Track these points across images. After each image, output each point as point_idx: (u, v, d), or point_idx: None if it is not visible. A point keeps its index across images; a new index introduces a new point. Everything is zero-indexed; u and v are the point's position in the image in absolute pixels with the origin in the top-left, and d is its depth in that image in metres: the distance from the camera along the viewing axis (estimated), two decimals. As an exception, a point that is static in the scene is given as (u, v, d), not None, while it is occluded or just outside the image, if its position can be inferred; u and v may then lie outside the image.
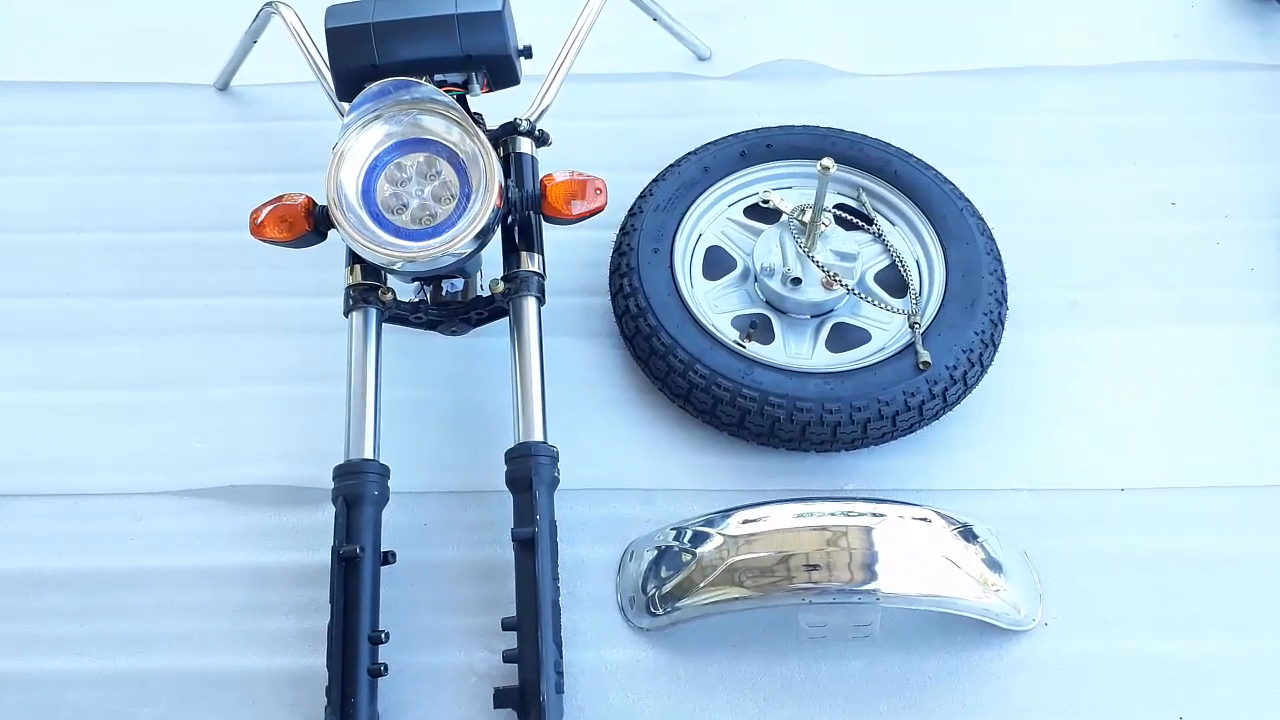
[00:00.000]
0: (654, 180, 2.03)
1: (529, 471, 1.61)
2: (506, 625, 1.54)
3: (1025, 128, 2.27)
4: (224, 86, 2.36)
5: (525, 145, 1.85)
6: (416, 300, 1.82)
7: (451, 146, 1.65)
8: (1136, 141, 2.24)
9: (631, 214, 1.99)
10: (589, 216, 1.74)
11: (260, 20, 2.15)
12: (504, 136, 1.85)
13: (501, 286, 1.76)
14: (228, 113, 2.34)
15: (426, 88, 1.59)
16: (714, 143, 2.08)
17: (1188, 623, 1.64)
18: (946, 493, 1.78)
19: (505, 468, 1.63)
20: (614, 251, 1.96)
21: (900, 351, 1.79)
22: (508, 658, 1.52)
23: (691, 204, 1.99)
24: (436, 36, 1.74)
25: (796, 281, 1.87)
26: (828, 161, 1.71)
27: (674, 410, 1.86)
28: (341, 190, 1.62)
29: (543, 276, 1.77)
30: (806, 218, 1.87)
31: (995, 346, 1.84)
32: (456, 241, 1.60)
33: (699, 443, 1.83)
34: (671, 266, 1.91)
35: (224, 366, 1.95)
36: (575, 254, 2.08)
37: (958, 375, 1.76)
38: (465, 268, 1.75)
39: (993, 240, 1.94)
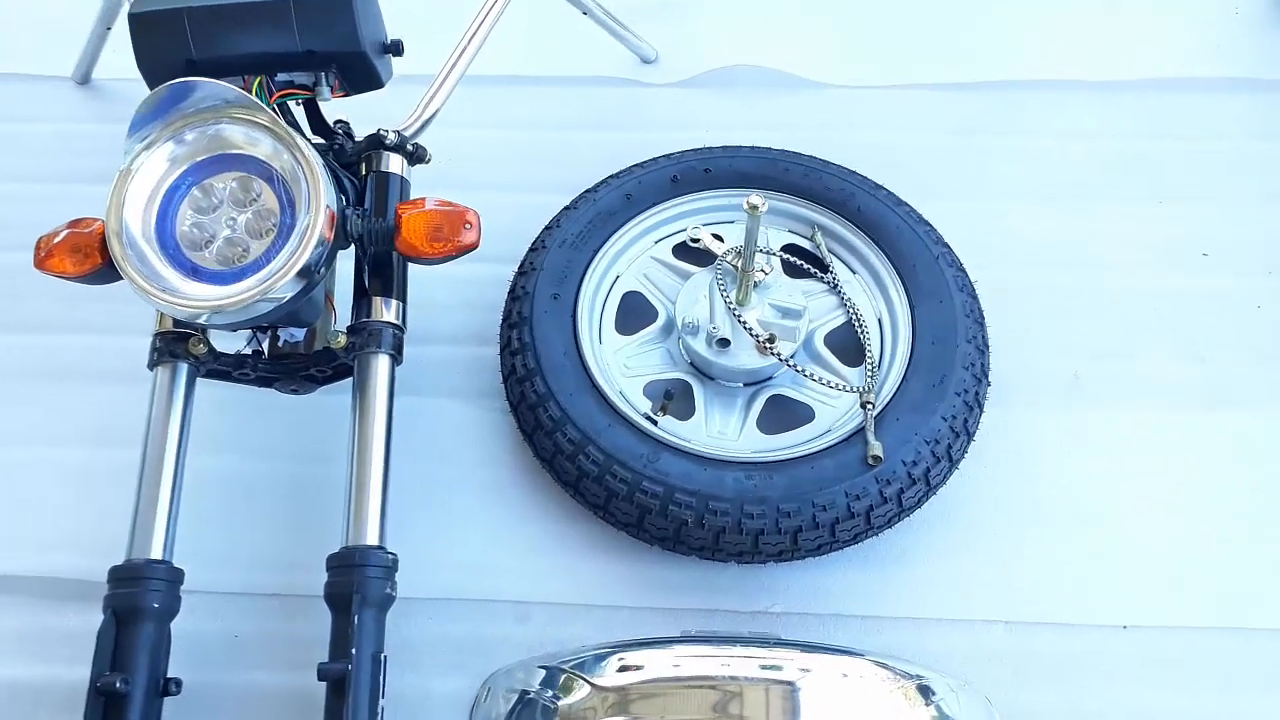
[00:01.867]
0: (564, 210, 1.67)
1: (350, 587, 1.26)
2: (305, 793, 1.19)
3: (1023, 154, 1.88)
4: (84, 80, 2.02)
5: (394, 163, 1.49)
6: (249, 352, 1.47)
7: (268, 163, 1.30)
8: (1161, 175, 1.85)
9: (533, 250, 1.63)
10: (456, 256, 1.38)
11: (111, 3, 1.81)
12: (368, 152, 1.49)
13: (343, 340, 1.40)
14: (85, 110, 2.00)
15: (223, 88, 1.23)
16: (641, 165, 1.71)
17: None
18: (900, 622, 1.40)
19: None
20: (508, 296, 1.60)
21: (849, 437, 1.42)
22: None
23: (608, 239, 1.63)
24: (268, 26, 1.38)
25: (724, 343, 1.50)
26: (756, 199, 1.34)
27: (565, 501, 1.49)
28: (124, 221, 1.26)
29: (400, 329, 1.42)
30: (740, 265, 1.51)
31: (969, 435, 1.46)
32: (270, 285, 1.24)
33: (592, 544, 1.47)
34: (574, 317, 1.54)
35: (13, 421, 1.61)
36: (474, 293, 1.72)
37: (918, 473, 1.39)
38: (300, 314, 1.39)
39: (974, 298, 1.56)
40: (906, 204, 1.66)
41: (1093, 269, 1.74)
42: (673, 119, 1.94)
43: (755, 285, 1.53)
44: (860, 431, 1.41)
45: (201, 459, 1.53)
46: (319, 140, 1.53)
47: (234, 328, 1.40)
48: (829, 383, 1.45)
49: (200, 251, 1.29)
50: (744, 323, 1.46)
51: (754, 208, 1.35)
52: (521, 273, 1.61)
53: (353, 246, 1.39)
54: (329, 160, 1.42)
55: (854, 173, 1.69)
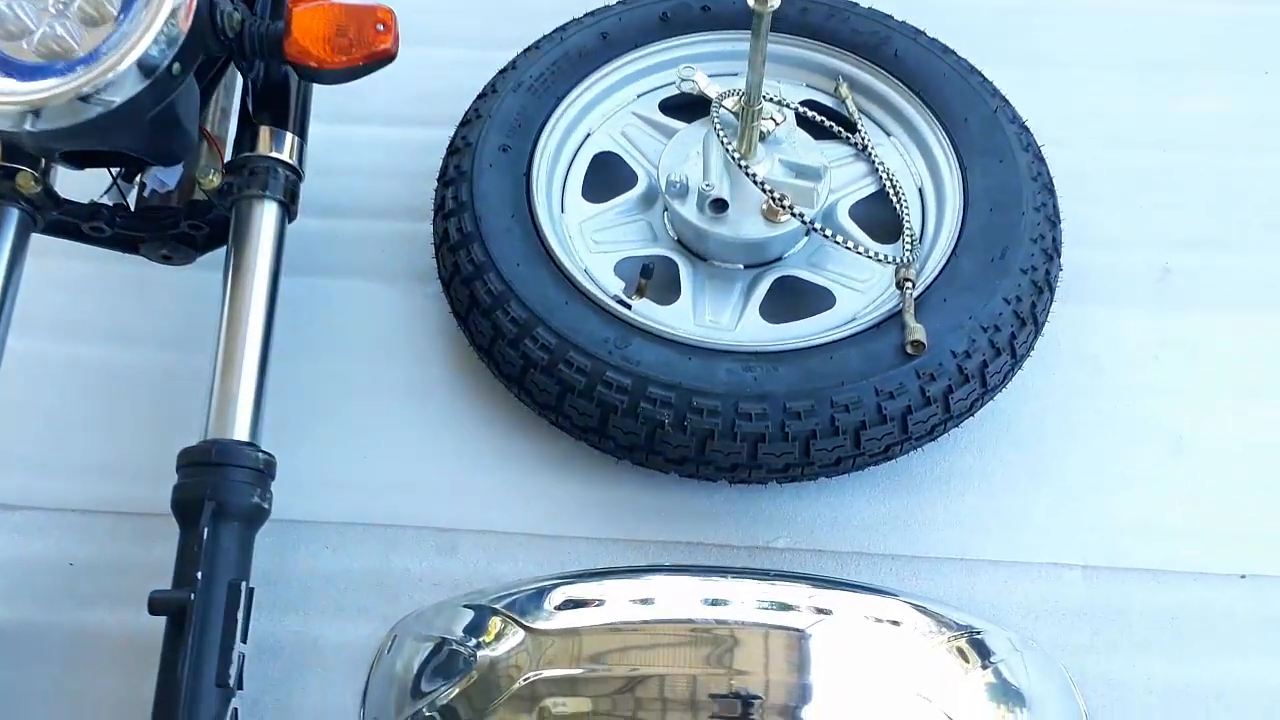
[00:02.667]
0: (523, 51, 1.34)
1: (202, 490, 0.93)
2: (125, 765, 0.86)
3: (1101, 14, 1.53)
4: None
5: (297, -36, 1.16)
6: (108, 203, 1.14)
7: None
8: (1267, 41, 1.50)
9: (481, 96, 1.30)
10: (366, 68, 1.05)
11: None
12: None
13: (216, 181, 1.07)
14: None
15: None
16: (624, 1, 1.38)
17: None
18: (944, 565, 1.06)
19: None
20: (446, 151, 1.27)
21: (878, 325, 1.08)
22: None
23: (576, 86, 1.29)
24: None
25: (720, 206, 1.17)
26: (764, -15, 1.01)
27: (507, 402, 1.16)
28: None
29: (294, 171, 1.09)
30: (742, 103, 1.17)
31: (1038, 326, 1.12)
32: (98, 77, 0.91)
33: (541, 456, 1.13)
34: (529, 175, 1.21)
35: None
36: (408, 159, 1.38)
37: (971, 368, 1.05)
38: (161, 143, 1.05)
39: (1042, 161, 1.22)
40: (954, 52, 1.32)
41: (1186, 149, 1.39)
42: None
43: (763, 137, 1.19)
44: (895, 316, 1.08)
45: (37, 343, 1.21)
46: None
47: (81, 163, 1.08)
48: (860, 249, 1.11)
49: (15, 42, 0.97)
50: (754, 175, 1.12)
51: (761, 1, 1.01)
52: (465, 123, 1.27)
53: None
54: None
55: (889, 15, 1.35)
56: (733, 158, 1.14)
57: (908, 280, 1.09)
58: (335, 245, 1.30)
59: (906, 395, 1.02)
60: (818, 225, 1.12)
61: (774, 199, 1.12)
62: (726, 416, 1.01)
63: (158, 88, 0.94)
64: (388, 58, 1.05)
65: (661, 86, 1.34)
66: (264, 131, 1.09)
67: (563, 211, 1.24)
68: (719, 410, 1.01)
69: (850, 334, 1.07)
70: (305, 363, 1.20)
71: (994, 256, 1.11)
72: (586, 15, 1.35)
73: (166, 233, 1.14)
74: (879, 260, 1.12)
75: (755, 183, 1.12)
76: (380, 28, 1.04)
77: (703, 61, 1.34)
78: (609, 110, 1.32)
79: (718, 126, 1.16)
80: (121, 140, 1.00)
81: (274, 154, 1.08)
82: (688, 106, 1.31)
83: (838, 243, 1.12)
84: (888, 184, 1.23)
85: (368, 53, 1.04)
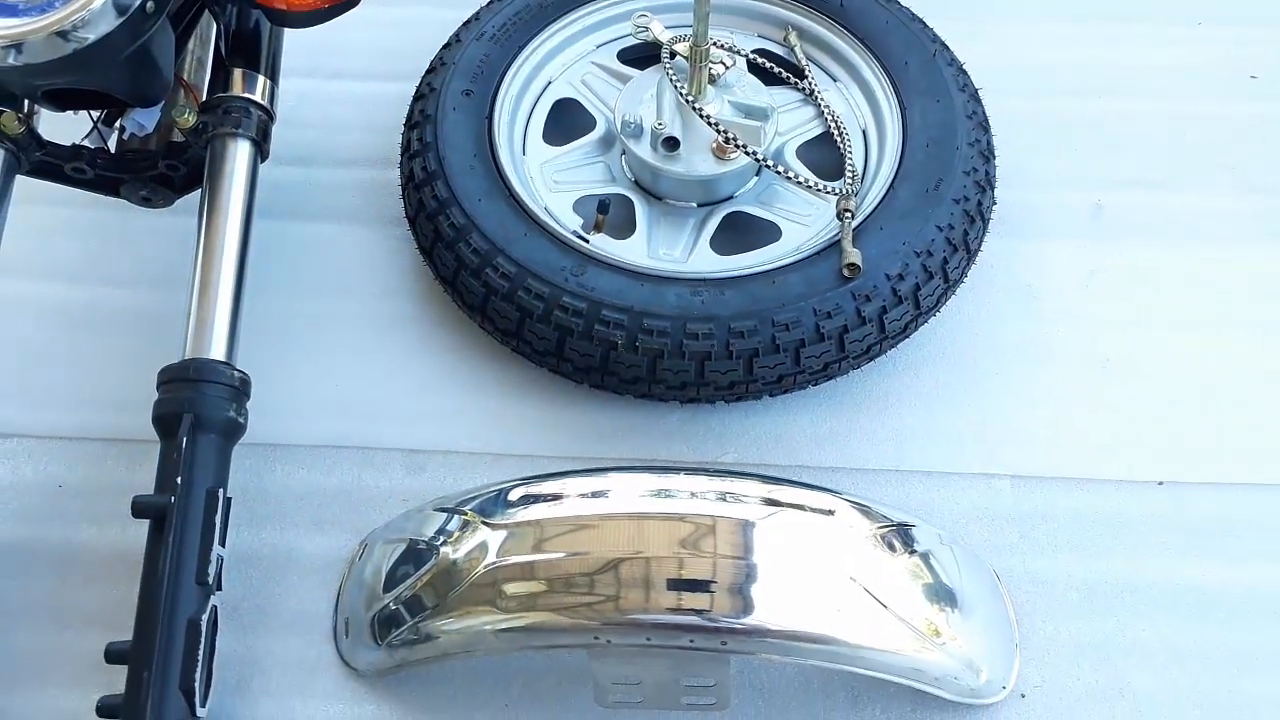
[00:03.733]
0: (488, 3, 1.39)
1: (181, 405, 0.99)
2: (112, 656, 0.92)
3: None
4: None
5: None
6: (89, 146, 1.20)
7: None
8: (1202, -10, 1.58)
9: (445, 46, 1.35)
10: (332, 11, 1.10)
11: None
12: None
13: (191, 120, 1.13)
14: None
15: None
16: (583, -45, 1.44)
17: (1254, 699, 1.00)
18: (880, 475, 1.13)
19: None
20: (413, 98, 1.32)
21: (819, 252, 1.15)
22: (104, 709, 0.91)
23: (536, 35, 1.35)
24: None
25: (672, 145, 1.23)
26: (705, -73, 1.07)
27: (471, 332, 1.22)
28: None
29: (266, 111, 1.15)
30: (690, 45, 1.23)
31: (970, 253, 1.19)
32: (73, 13, 0.96)
33: (503, 381, 1.19)
34: (490, 118, 1.27)
35: None
36: (378, 112, 1.44)
37: (904, 290, 1.12)
38: (139, 82, 1.11)
39: (978, 101, 1.28)
40: (897, 1, 1.38)
41: (1119, 95, 1.46)
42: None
43: (713, 80, 1.25)
44: (836, 245, 1.14)
45: (26, 284, 1.27)
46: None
47: (62, 104, 1.13)
48: (805, 181, 1.17)
49: (-5, -16, 1.02)
50: (704, 114, 1.18)
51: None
52: (430, 70, 1.32)
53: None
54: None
55: (837, -32, 1.42)
56: (684, 97, 1.20)
57: (847, 211, 1.16)
58: (308, 191, 1.36)
59: (843, 315, 1.09)
60: (765, 159, 1.18)
61: (724, 136, 1.18)
62: (675, 337, 1.08)
63: (132, 25, 1.00)
64: (352, 2, 1.11)
65: (620, 38, 1.40)
66: (237, 74, 1.15)
67: (524, 154, 1.30)
68: (668, 331, 1.08)
69: (792, 261, 1.14)
70: (279, 299, 1.25)
71: (929, 188, 1.17)
72: (546, -31, 1.42)
73: (145, 174, 1.19)
74: (821, 192, 1.18)
75: (705, 119, 1.18)
76: (345, -26, 1.10)
77: (660, 14, 1.40)
78: (569, 59, 1.38)
79: (670, 70, 1.23)
80: (99, 78, 1.06)
81: (246, 95, 1.14)
82: (644, 59, 1.37)
83: (781, 174, 1.18)
84: (831, 124, 1.29)
85: (333, -3, 1.10)
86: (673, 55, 1.25)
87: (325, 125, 1.44)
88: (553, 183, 1.28)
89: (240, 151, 1.13)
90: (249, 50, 1.16)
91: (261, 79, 1.15)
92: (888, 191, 1.19)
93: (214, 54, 1.17)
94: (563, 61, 1.38)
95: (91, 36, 0.97)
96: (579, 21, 1.38)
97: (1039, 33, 1.53)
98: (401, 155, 1.27)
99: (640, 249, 1.22)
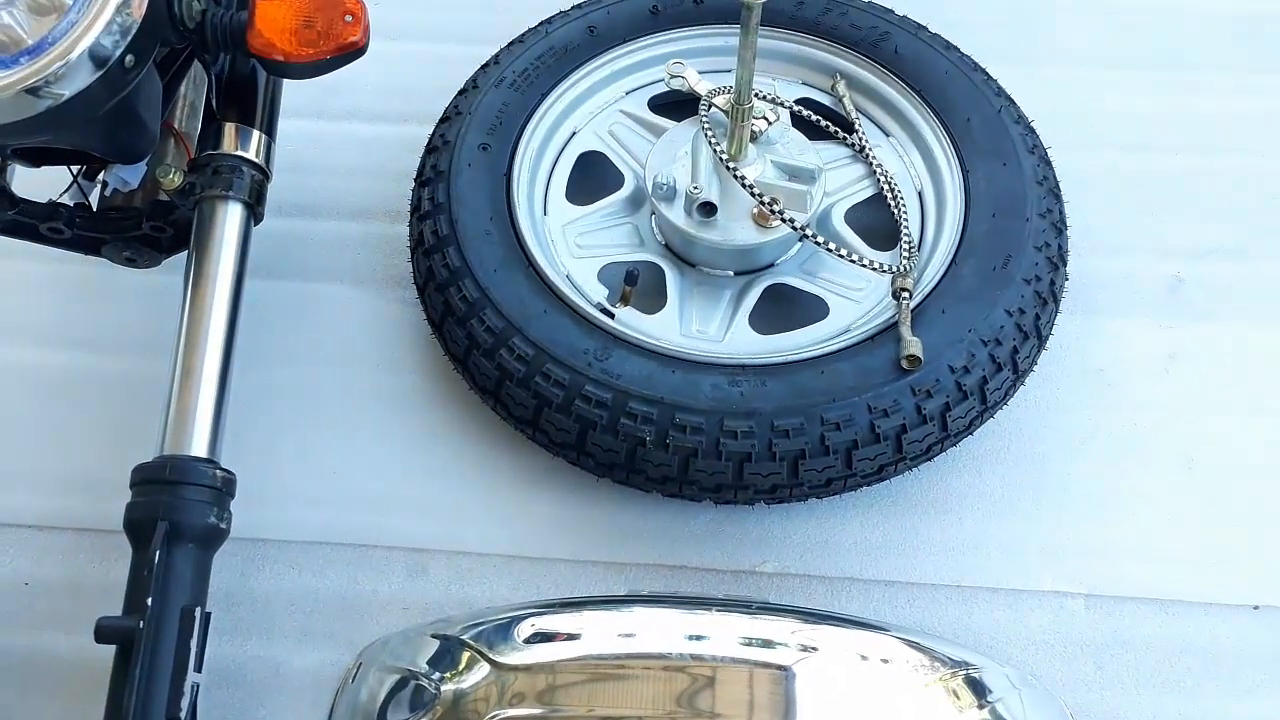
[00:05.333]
0: (506, 46, 1.28)
1: (155, 510, 0.88)
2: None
3: (1107, 9, 1.47)
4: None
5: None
6: (68, 203, 1.09)
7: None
8: (1285, 39, 1.45)
9: (462, 93, 1.24)
10: (334, 62, 0.99)
11: None
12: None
13: (177, 180, 1.02)
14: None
15: None
16: (612, -7, 1.32)
17: None
18: (940, 592, 1.01)
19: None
20: (424, 150, 1.21)
21: (873, 337, 1.03)
22: None
23: (561, 82, 1.23)
24: None
25: (709, 210, 1.11)
26: (753, -23, 0.95)
27: (484, 414, 1.10)
28: None
29: (261, 170, 1.04)
30: (732, 102, 1.11)
31: (1041, 339, 1.06)
32: (45, 68, 0.86)
33: (517, 473, 1.07)
34: (509, 175, 1.15)
35: None
36: (387, 158, 1.33)
37: (970, 384, 0.99)
38: (121, 139, 1.00)
39: (1048, 164, 1.16)
40: (956, 48, 1.26)
41: (1199, 152, 1.32)
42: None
43: (755, 137, 1.13)
44: (891, 329, 1.02)
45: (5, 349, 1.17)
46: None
47: (37, 160, 1.03)
48: (855, 257, 1.05)
49: (-40, 33, 0.91)
50: (743, 178, 1.06)
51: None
52: (444, 120, 1.21)
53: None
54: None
55: (890, 10, 1.29)
56: (721, 159, 1.08)
57: (904, 290, 1.04)
58: (307, 247, 1.25)
59: (901, 413, 0.97)
60: (810, 231, 1.06)
61: (764, 203, 1.06)
62: (710, 435, 0.96)
63: (111, 81, 0.89)
64: (357, 51, 1.00)
65: (651, 83, 1.29)
66: (229, 129, 1.04)
67: (545, 214, 1.19)
68: (702, 428, 0.96)
69: (843, 346, 1.02)
70: (271, 370, 1.15)
71: (996, 265, 1.05)
72: (573, 8, 1.30)
73: (129, 234, 1.09)
74: (874, 269, 1.06)
75: (744, 186, 1.06)
76: (349, 19, 0.99)
77: (695, 58, 1.28)
78: (595, 108, 1.27)
79: (706, 126, 1.11)
80: (75, 137, 0.95)
81: (239, 152, 1.03)
82: (678, 105, 1.25)
83: (830, 250, 1.06)
84: (885, 187, 1.17)
85: (336, 45, 0.99)
86: (710, 108, 1.13)
87: (330, 171, 1.33)
88: (576, 247, 1.17)
89: (231, 216, 1.02)
90: (243, 102, 1.05)
91: (256, 134, 1.04)
92: (949, 268, 1.06)
93: (205, 103, 1.07)
94: (588, 110, 1.27)
95: (66, 93, 0.87)
96: (607, 66, 1.26)
97: (1106, 79, 1.40)
98: (411, 215, 1.16)
99: (672, 324, 1.10)
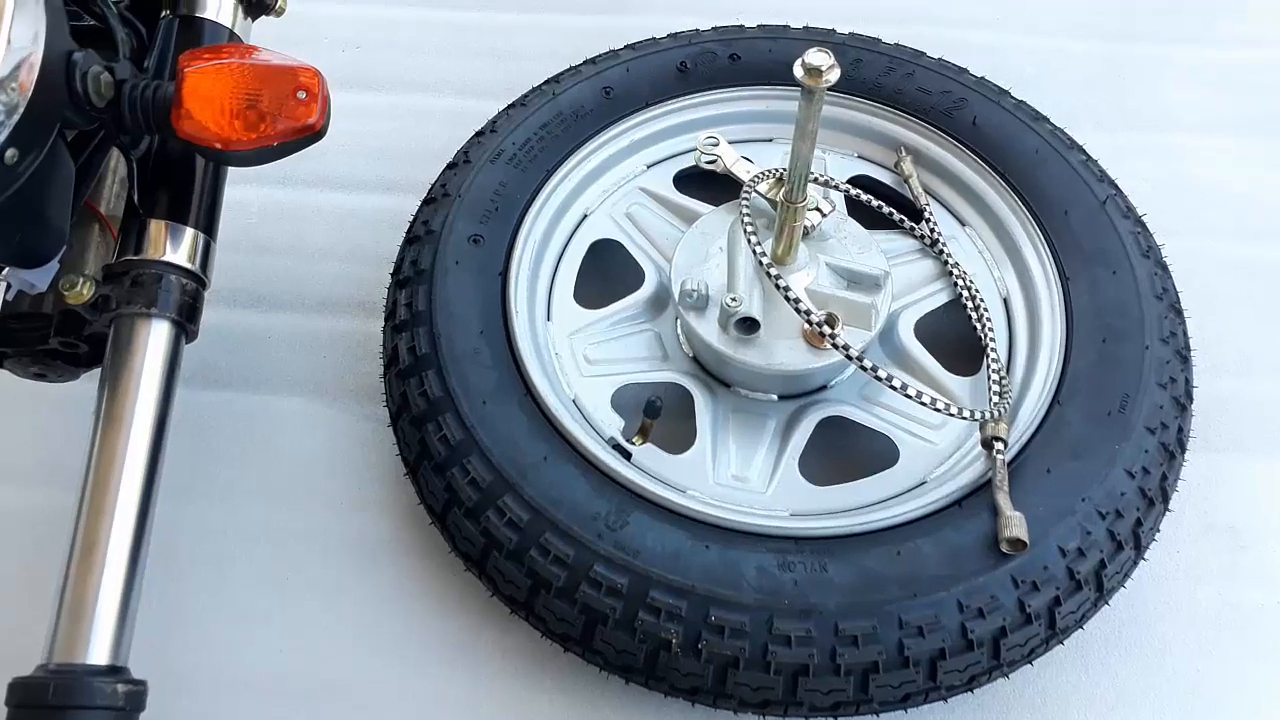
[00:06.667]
0: (506, 109, 1.07)
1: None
2: None
3: (1216, 69, 1.26)
4: None
5: (213, 4, 0.90)
6: (-36, 310, 0.89)
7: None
8: None
9: (451, 167, 1.03)
10: (282, 147, 0.79)
11: None
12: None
13: (87, 293, 0.81)
14: None
15: None
16: (633, 46, 1.11)
17: None
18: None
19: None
20: (404, 238, 1.00)
21: (960, 501, 0.82)
22: None
23: (570, 156, 1.03)
24: None
25: (749, 326, 0.90)
26: (818, 56, 0.74)
27: (468, 587, 0.88)
28: None
29: (196, 279, 0.83)
30: (780, 194, 0.90)
31: (1166, 501, 0.86)
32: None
33: (508, 663, 0.86)
34: (505, 275, 0.95)
35: None
36: (365, 237, 1.13)
37: (1085, 570, 0.78)
38: (20, 239, 0.80)
39: (1166, 272, 0.95)
40: (1048, 119, 1.05)
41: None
42: (689, 3, 1.33)
43: (806, 232, 0.93)
44: (983, 490, 0.81)
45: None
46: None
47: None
48: (928, 400, 0.84)
49: None
50: (786, 291, 0.85)
51: (814, 73, 0.75)
52: (429, 201, 1.00)
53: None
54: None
55: (964, 70, 1.09)
56: (767, 272, 0.87)
57: (998, 440, 0.82)
58: (262, 347, 1.04)
59: (1000, 612, 0.75)
60: (868, 363, 0.84)
61: (815, 326, 0.85)
62: (756, 639, 0.74)
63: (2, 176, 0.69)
64: (311, 134, 0.80)
65: (677, 155, 1.08)
66: (155, 228, 0.83)
67: (548, 319, 0.98)
68: (746, 630, 0.74)
69: (922, 514, 0.81)
70: (209, 506, 0.94)
71: (1111, 409, 0.84)
72: (586, 63, 1.09)
73: (33, 347, 0.89)
74: (958, 416, 0.84)
75: (792, 304, 0.85)
76: (301, 95, 0.79)
77: (731, 124, 1.08)
78: (610, 185, 1.06)
79: (746, 220, 0.90)
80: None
81: (167, 257, 0.83)
82: (709, 179, 1.05)
83: (894, 388, 0.83)
84: (964, 293, 0.96)
85: (286, 129, 0.79)
86: (751, 196, 0.93)
87: (295, 252, 1.12)
88: (585, 362, 0.96)
89: (155, 337, 0.81)
90: (173, 192, 0.84)
91: (190, 234, 0.84)
92: (1050, 408, 0.85)
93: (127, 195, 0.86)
94: (602, 188, 1.06)
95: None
96: (625, 135, 1.06)
97: (1218, 149, 1.19)
98: (385, 322, 0.95)
99: (703, 467, 0.89)
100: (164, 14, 0.89)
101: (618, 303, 0.99)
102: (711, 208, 1.03)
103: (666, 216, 1.05)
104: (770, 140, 1.09)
